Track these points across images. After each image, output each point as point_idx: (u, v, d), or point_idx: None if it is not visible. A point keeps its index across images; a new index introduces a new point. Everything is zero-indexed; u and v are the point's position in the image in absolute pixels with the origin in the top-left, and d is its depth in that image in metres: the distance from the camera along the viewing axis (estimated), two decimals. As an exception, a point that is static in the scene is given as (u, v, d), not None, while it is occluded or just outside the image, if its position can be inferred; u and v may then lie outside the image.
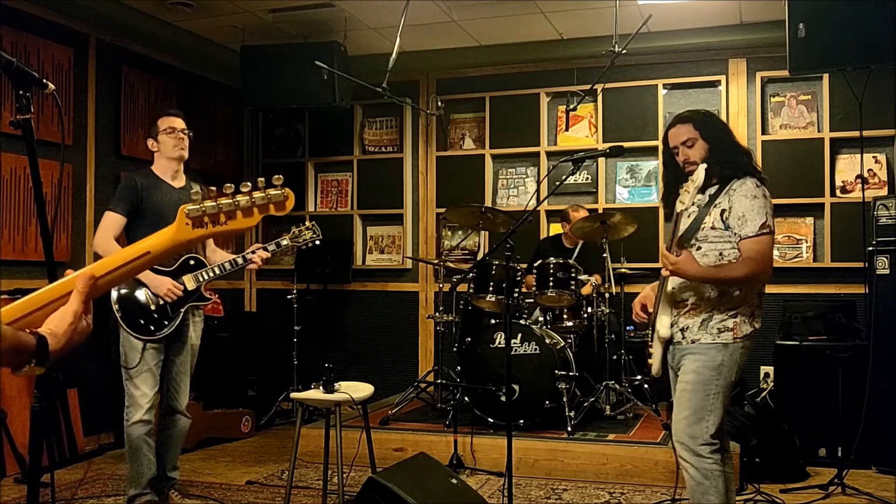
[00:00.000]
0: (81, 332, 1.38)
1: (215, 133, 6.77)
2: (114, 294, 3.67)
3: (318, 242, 3.80)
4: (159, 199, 3.79)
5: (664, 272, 2.94)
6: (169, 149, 3.88)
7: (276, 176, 1.41)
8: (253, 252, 3.78)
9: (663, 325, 2.99)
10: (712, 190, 2.99)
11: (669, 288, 2.99)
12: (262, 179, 1.41)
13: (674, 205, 2.97)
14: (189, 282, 3.76)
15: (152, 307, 3.72)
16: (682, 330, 2.97)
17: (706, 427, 2.89)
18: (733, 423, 4.54)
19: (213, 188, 1.40)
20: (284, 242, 3.79)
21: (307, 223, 3.81)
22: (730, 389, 2.95)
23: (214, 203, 1.39)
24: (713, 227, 2.93)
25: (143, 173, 3.92)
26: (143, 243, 1.44)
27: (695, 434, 2.90)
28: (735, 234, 2.89)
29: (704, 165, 2.88)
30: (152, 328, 3.71)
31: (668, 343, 3.02)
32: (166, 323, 3.75)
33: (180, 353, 3.90)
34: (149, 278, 3.69)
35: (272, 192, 1.40)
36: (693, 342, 2.93)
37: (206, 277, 3.79)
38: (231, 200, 1.39)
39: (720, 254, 2.93)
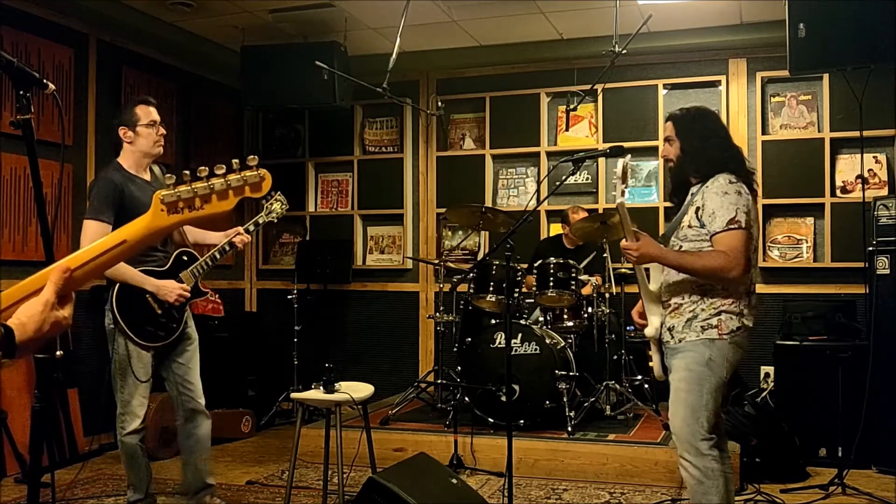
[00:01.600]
0: (55, 325, 1.34)
1: (215, 133, 6.77)
2: (116, 306, 3.51)
3: (285, 211, 3.89)
4: (140, 196, 3.51)
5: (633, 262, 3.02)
6: (150, 144, 3.61)
7: (251, 156, 1.38)
8: (236, 235, 3.75)
9: (652, 325, 3.03)
10: (694, 189, 3.05)
11: (654, 287, 3.03)
12: (237, 161, 1.38)
13: (680, 202, 3.07)
14: (189, 279, 3.68)
15: (158, 312, 3.58)
16: (669, 330, 3.00)
17: (702, 423, 2.90)
18: (733, 423, 4.54)
19: (188, 171, 1.35)
20: (261, 220, 3.82)
21: (274, 195, 3.79)
22: (722, 387, 2.95)
23: (189, 187, 1.35)
24: (690, 226, 2.97)
25: (113, 169, 3.60)
26: (119, 232, 1.40)
27: (693, 431, 2.91)
28: (707, 230, 2.92)
29: (624, 160, 3.05)
30: (162, 334, 3.61)
31: (661, 344, 3.05)
32: (174, 326, 3.65)
33: (187, 350, 3.76)
34: (154, 285, 3.54)
35: (247, 173, 1.36)
36: (680, 341, 2.96)
37: (201, 271, 3.71)
38: (206, 184, 1.35)
39: (699, 251, 2.95)
